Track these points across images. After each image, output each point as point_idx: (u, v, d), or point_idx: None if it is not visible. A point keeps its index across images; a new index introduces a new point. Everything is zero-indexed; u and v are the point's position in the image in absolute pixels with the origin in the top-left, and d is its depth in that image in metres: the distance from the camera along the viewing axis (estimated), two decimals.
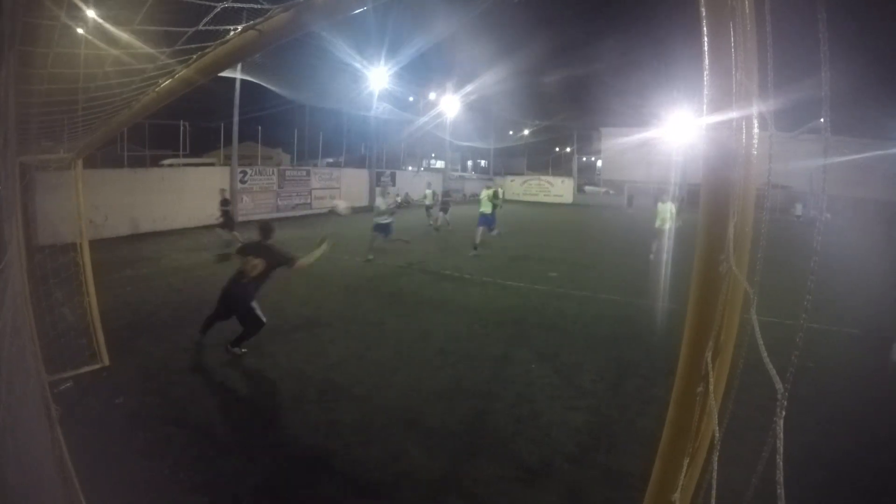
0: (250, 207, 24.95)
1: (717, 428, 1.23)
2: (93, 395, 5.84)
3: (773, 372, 0.96)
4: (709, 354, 1.23)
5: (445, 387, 6.25)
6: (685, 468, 1.31)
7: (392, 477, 4.48)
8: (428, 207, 23.26)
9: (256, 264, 6.85)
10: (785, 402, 0.90)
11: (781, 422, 0.89)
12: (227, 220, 16.75)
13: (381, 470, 4.57)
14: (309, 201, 29.14)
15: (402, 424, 5.38)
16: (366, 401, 5.88)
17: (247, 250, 7.14)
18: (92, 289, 6.47)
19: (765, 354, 1.00)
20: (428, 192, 24.15)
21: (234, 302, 6.87)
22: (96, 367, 6.42)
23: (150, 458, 4.68)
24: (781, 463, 0.87)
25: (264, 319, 6.94)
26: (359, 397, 5.96)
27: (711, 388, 1.21)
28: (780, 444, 0.89)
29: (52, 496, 2.43)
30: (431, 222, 22.15)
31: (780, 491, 0.85)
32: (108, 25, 3.10)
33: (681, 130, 41.84)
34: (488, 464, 4.71)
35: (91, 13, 3.26)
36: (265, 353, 7.20)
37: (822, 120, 0.91)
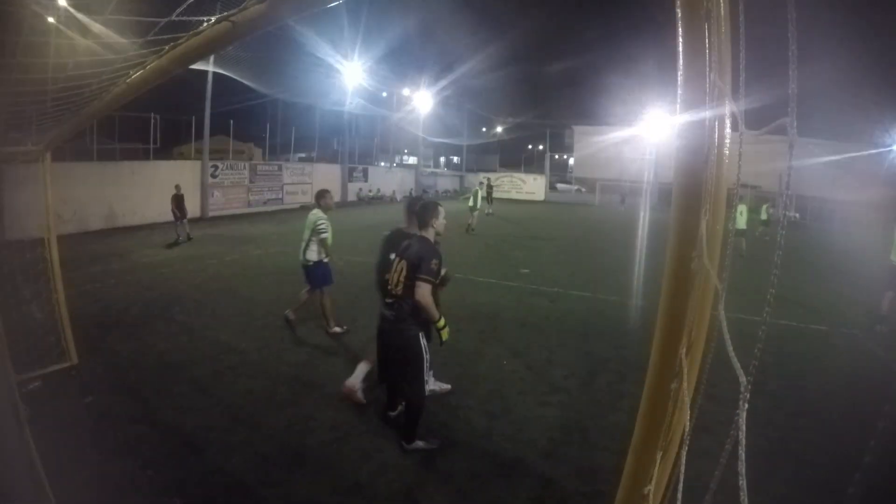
0: (221, 202, 24.68)
1: (689, 423, 1.25)
2: (62, 395, 5.74)
3: (737, 366, 0.98)
4: (683, 351, 1.25)
5: None
6: (658, 461, 1.33)
7: (366, 475, 4.47)
8: (472, 208, 21.69)
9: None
10: (748, 395, 0.92)
11: (744, 414, 0.91)
12: None
13: (355, 468, 4.56)
14: (280, 196, 28.99)
15: (375, 421, 5.37)
16: (338, 397, 5.86)
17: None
18: (60, 285, 6.35)
19: (730, 349, 1.02)
20: (475, 189, 23.25)
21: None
22: (65, 365, 6.31)
23: (120, 457, 4.61)
24: (743, 455, 0.89)
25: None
26: (331, 394, 5.93)
27: (685, 384, 1.23)
28: (742, 437, 0.91)
29: (21, 498, 2.39)
30: (470, 222, 21.36)
31: (742, 482, 0.87)
32: (79, 14, 3.04)
33: (653, 129, 42.43)
34: (461, 460, 4.73)
35: (62, 1, 3.20)
36: (236, 349, 7.14)
37: (787, 118, 0.93)
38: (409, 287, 4.61)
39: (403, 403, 5.30)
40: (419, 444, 4.89)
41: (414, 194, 30.65)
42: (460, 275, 12.21)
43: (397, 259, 4.85)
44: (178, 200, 16.85)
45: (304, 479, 4.39)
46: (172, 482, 4.31)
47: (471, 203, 21.83)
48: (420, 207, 5.07)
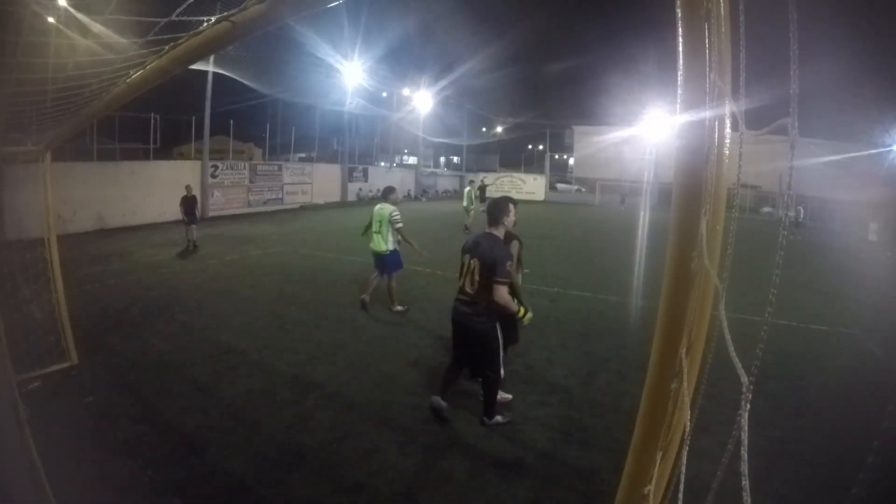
0: (221, 202, 24.66)
1: (689, 423, 1.25)
2: (62, 395, 5.74)
3: (738, 366, 0.98)
4: (683, 350, 1.25)
5: (417, 383, 6.26)
6: (658, 461, 1.33)
7: (366, 474, 4.47)
8: (466, 209, 21.67)
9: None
10: (750, 396, 0.92)
11: (746, 415, 0.91)
12: None
13: (354, 467, 4.56)
14: (280, 196, 29.00)
15: (375, 421, 5.37)
16: (338, 398, 5.86)
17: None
18: (60, 285, 6.35)
19: (731, 349, 1.01)
20: (467, 189, 22.90)
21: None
22: (65, 365, 6.31)
23: (120, 457, 4.61)
24: (746, 455, 0.89)
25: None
26: (331, 394, 5.94)
27: (685, 384, 1.23)
28: (744, 437, 0.91)
29: (21, 498, 2.39)
30: (468, 223, 20.68)
31: (745, 482, 0.87)
32: (79, 14, 3.04)
33: (653, 129, 42.43)
34: (462, 460, 4.72)
35: (62, 1, 3.20)
36: (236, 350, 7.14)
37: (788, 118, 0.93)
38: (484, 286, 4.87)
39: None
40: (498, 418, 5.32)
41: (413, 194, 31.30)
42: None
43: (469, 257, 5.04)
44: (187, 203, 15.25)
45: (304, 479, 4.39)
46: (172, 482, 4.31)
47: (465, 203, 22.10)
48: (490, 204, 5.25)
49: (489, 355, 5.13)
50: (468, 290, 5.03)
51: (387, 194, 9.14)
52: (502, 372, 5.42)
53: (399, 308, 9.20)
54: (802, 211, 31.47)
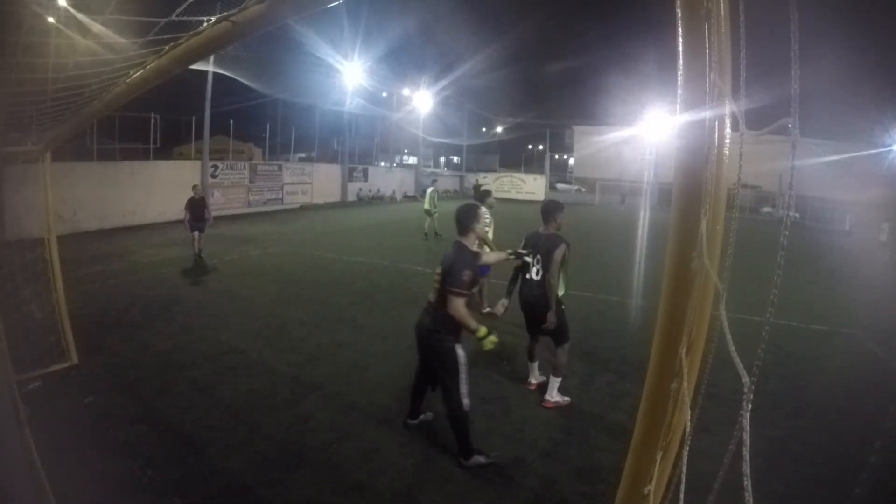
0: (221, 202, 24.64)
1: (689, 423, 1.25)
2: (62, 395, 5.74)
3: (740, 366, 0.98)
4: (683, 350, 1.25)
5: None
6: (658, 461, 1.33)
7: (366, 474, 4.47)
8: (428, 212, 18.82)
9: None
10: (751, 396, 0.91)
11: (748, 415, 0.91)
12: None
13: (354, 468, 4.56)
14: (280, 196, 28.98)
15: (375, 421, 5.37)
16: (338, 398, 5.86)
17: None
18: (60, 285, 6.35)
19: (732, 349, 1.01)
20: (429, 190, 19.78)
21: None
22: (65, 365, 6.31)
23: (120, 457, 4.61)
24: (748, 455, 0.89)
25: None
26: (331, 394, 5.93)
27: (685, 384, 1.23)
28: (746, 437, 0.90)
29: (21, 498, 2.39)
30: (427, 230, 18.87)
31: (747, 482, 0.87)
32: (79, 14, 3.04)
33: (653, 129, 42.43)
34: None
35: (62, 1, 3.20)
36: (236, 350, 7.14)
37: (789, 118, 0.93)
38: (442, 296, 4.47)
39: (426, 413, 5.27)
40: (479, 459, 4.64)
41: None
42: None
43: (440, 266, 4.66)
44: (194, 206, 13.26)
45: (304, 479, 4.38)
46: (172, 482, 4.30)
47: (426, 206, 19.13)
48: (458, 211, 4.80)
49: (447, 380, 4.60)
50: (430, 298, 4.70)
51: (483, 198, 8.99)
52: (465, 402, 4.59)
53: (487, 309, 8.85)
54: (849, 220, 31.68)
